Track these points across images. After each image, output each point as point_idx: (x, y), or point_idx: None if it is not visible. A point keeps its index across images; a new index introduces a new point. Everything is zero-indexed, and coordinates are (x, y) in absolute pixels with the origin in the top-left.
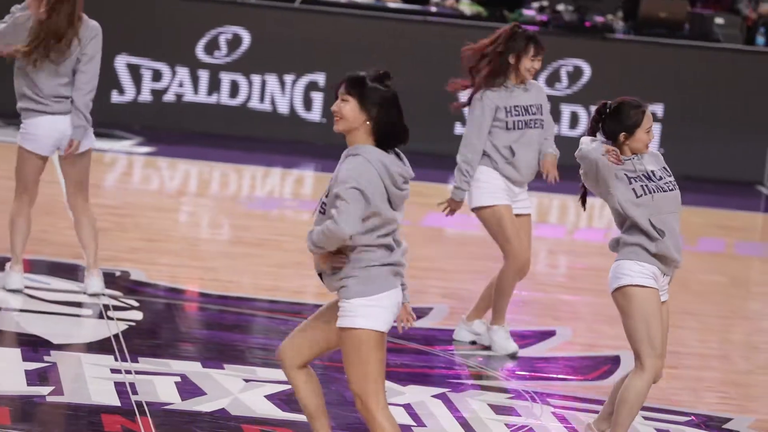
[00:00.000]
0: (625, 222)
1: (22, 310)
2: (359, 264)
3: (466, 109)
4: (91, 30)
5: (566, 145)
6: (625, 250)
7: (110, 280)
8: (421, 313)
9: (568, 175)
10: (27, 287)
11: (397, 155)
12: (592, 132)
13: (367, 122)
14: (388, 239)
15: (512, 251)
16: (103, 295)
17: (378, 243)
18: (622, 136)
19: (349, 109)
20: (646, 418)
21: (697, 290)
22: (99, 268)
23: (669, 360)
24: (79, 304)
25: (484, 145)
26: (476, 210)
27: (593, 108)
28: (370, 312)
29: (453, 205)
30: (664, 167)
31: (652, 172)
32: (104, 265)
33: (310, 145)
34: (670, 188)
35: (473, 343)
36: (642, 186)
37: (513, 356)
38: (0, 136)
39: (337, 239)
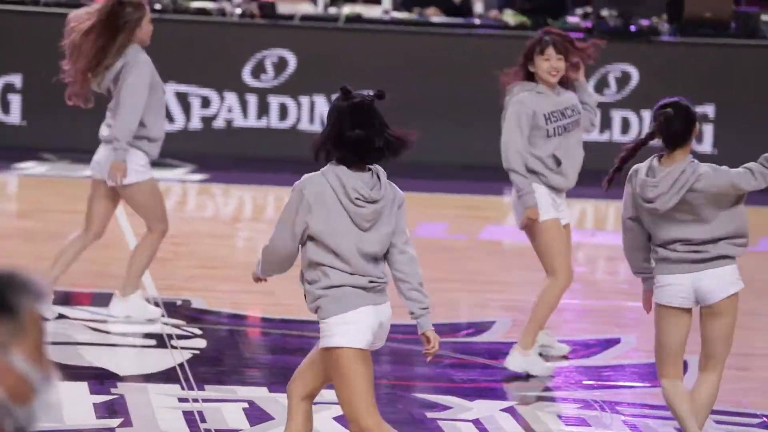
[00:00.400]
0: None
1: (87, 344)
2: (328, 283)
3: None
4: (126, 57)
5: (617, 150)
6: (732, 258)
7: (172, 309)
8: (483, 327)
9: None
10: (91, 320)
11: (377, 176)
12: (646, 141)
13: (329, 139)
14: (343, 257)
15: (562, 266)
16: (127, 318)
17: (331, 261)
18: (696, 127)
19: None
20: (717, 422)
21: (762, 290)
22: (126, 294)
23: (737, 362)
24: (143, 335)
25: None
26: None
27: (644, 112)
28: (345, 330)
29: (532, 215)
30: None
31: None
32: (164, 295)
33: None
34: None
35: (541, 355)
36: None
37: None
38: (56, 170)
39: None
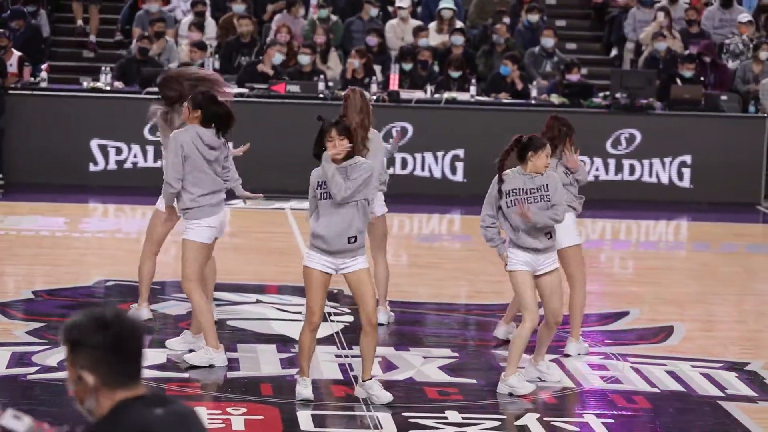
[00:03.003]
0: None
1: (275, 319)
2: None
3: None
4: None
5: (628, 186)
6: None
7: (331, 297)
8: None
9: None
10: (279, 303)
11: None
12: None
13: None
14: None
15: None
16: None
17: None
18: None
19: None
20: (693, 366)
21: (722, 278)
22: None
23: (705, 325)
24: None
25: None
26: None
27: (645, 161)
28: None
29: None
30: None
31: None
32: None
33: (456, 197)
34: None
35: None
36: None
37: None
38: (253, 206)
39: None
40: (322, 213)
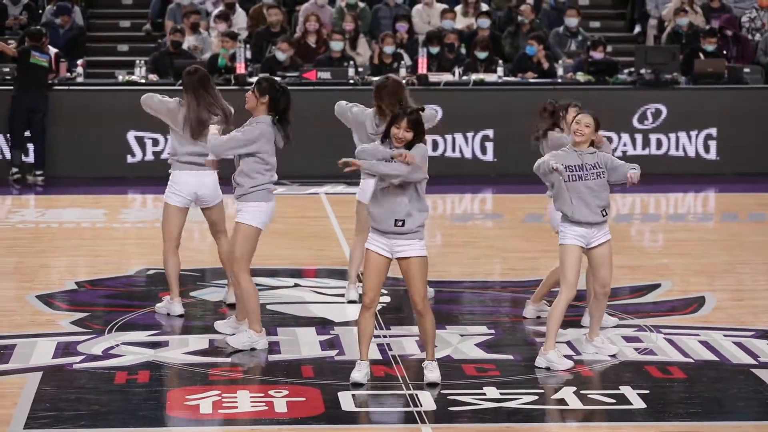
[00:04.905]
0: None
1: (313, 302)
2: None
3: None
4: None
5: (654, 161)
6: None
7: None
8: None
9: None
10: (317, 286)
11: None
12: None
13: None
14: None
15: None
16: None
17: None
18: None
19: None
20: (726, 335)
21: (752, 247)
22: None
23: (736, 294)
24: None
25: None
26: None
27: (671, 135)
28: None
29: None
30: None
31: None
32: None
33: (487, 177)
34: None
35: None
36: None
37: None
38: (290, 190)
39: None
40: (376, 191)
